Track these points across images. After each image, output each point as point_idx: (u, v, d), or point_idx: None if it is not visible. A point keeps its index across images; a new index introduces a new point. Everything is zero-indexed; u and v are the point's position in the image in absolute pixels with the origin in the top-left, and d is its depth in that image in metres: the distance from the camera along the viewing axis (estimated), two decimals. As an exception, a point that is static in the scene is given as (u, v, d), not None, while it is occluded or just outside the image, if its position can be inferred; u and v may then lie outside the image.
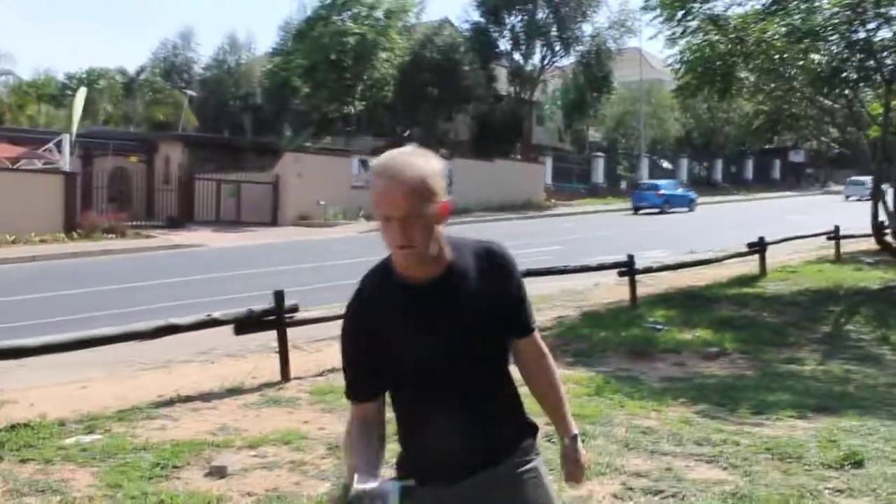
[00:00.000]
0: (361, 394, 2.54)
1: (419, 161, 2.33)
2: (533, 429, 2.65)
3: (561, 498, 3.56)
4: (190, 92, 50.00)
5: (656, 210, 40.85)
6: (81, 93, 34.44)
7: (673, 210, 41.12)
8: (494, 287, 2.49)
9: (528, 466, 2.58)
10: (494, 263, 2.51)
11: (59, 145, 29.55)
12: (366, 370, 2.51)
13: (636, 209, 41.70)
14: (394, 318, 2.45)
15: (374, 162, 2.35)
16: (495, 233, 11.58)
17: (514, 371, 2.66)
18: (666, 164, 61.46)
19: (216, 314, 8.40)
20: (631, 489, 5.34)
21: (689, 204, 42.68)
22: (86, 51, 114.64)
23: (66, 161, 29.26)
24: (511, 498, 2.54)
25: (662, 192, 42.05)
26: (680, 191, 43.94)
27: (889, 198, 16.76)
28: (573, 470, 2.74)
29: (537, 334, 2.67)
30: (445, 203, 2.37)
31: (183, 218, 32.92)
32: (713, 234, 25.94)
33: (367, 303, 2.50)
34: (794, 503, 4.99)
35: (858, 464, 5.80)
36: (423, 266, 2.41)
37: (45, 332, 8.17)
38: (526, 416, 2.64)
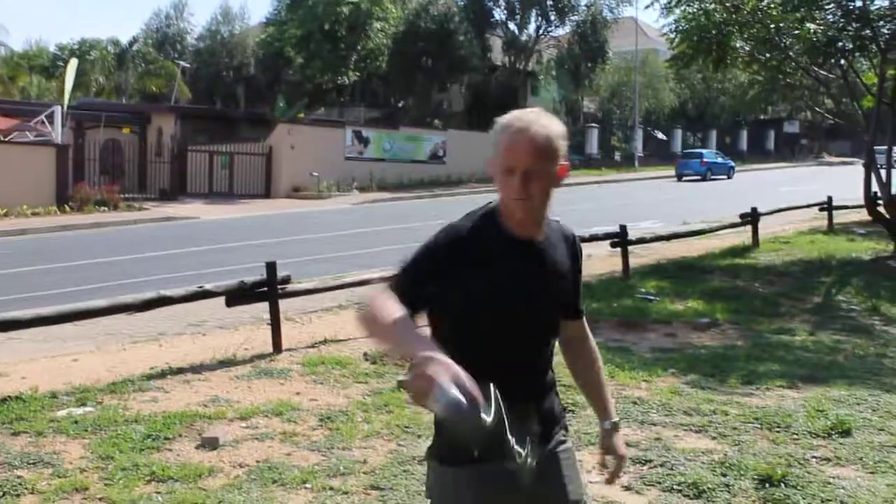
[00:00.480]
0: (408, 295, 2.37)
1: (546, 120, 2.41)
2: (564, 410, 2.71)
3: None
4: (183, 63, 49.66)
5: (699, 178, 42.56)
6: (73, 64, 34.22)
7: (714, 177, 43.09)
8: (571, 266, 2.60)
9: (566, 446, 2.61)
10: (575, 245, 2.63)
11: (50, 117, 29.35)
12: (423, 285, 2.41)
13: (680, 177, 43.41)
14: (494, 261, 2.42)
15: (503, 118, 2.43)
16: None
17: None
18: (660, 135, 61.35)
19: (207, 286, 8.39)
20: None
21: (729, 171, 44.88)
22: (78, 21, 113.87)
23: (57, 133, 29.09)
24: (555, 476, 2.56)
25: (706, 160, 44.21)
26: (720, 160, 45.98)
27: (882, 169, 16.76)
28: (612, 459, 2.70)
29: (584, 319, 2.75)
30: (564, 166, 2.44)
31: (175, 190, 32.83)
32: (704, 205, 25.94)
33: (469, 233, 2.44)
34: (782, 472, 5.02)
35: (846, 433, 5.85)
36: (531, 223, 2.46)
37: (36, 305, 8.16)
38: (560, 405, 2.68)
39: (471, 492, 2.45)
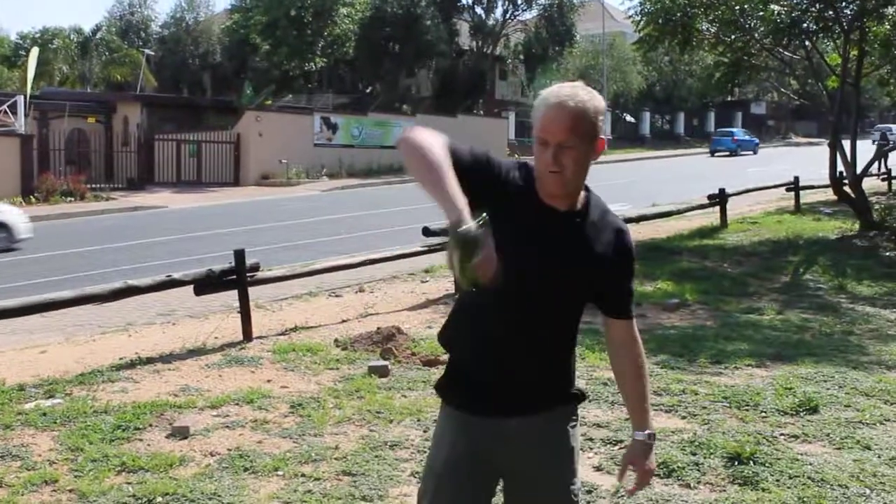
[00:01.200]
0: (457, 152, 2.38)
1: (584, 95, 2.42)
2: (579, 397, 2.68)
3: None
4: (148, 51, 49.16)
5: (728, 153, 47.49)
6: (34, 53, 33.75)
7: (743, 153, 47.78)
8: (615, 254, 2.55)
9: (561, 428, 2.61)
10: (623, 234, 2.60)
11: (13, 107, 28.94)
12: (467, 171, 2.33)
13: (713, 153, 48.42)
14: (521, 217, 2.43)
15: (544, 91, 2.45)
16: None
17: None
18: (629, 118, 61.57)
19: (175, 275, 8.33)
20: (591, 440, 5.41)
21: (755, 147, 49.96)
22: (39, 10, 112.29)
23: (21, 123, 28.72)
24: (542, 459, 2.58)
25: (736, 137, 49.80)
26: (747, 137, 51.13)
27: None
28: (636, 471, 2.64)
29: (634, 323, 2.68)
30: (602, 141, 2.47)
31: (143, 179, 32.52)
32: (673, 188, 26.08)
33: (519, 175, 2.49)
34: (751, 449, 5.07)
35: (813, 410, 5.92)
36: (564, 196, 2.47)
37: (2, 297, 8.07)
38: (575, 381, 2.66)
39: (446, 437, 2.58)
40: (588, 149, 2.43)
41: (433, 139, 2.33)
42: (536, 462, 2.58)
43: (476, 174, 2.36)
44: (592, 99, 2.42)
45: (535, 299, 2.47)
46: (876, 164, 25.26)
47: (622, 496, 4.58)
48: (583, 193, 2.54)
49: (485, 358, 2.53)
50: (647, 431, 2.63)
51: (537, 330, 2.51)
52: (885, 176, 25.71)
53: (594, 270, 2.52)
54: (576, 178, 2.45)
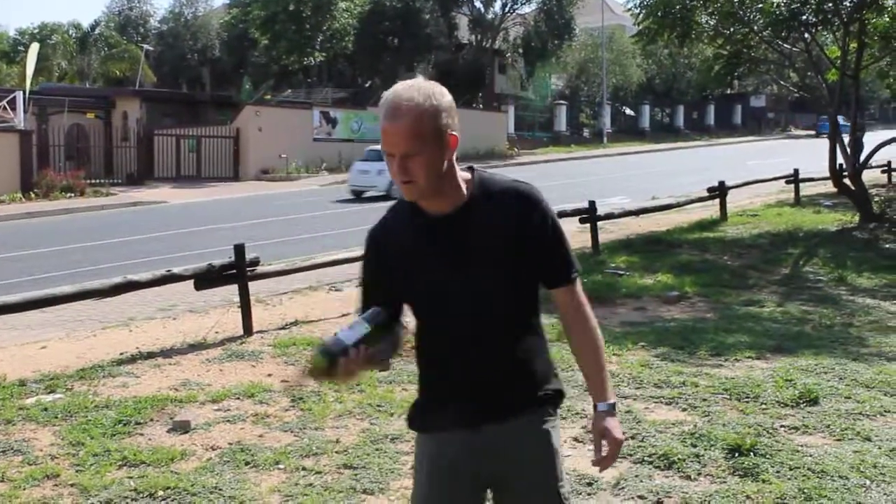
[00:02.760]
0: (368, 303, 2.50)
1: (418, 97, 2.30)
2: (555, 395, 2.58)
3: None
4: (146, 46, 49.07)
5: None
6: (34, 48, 33.68)
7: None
8: (519, 228, 2.41)
9: (543, 427, 2.53)
10: (522, 204, 2.43)
11: (12, 103, 28.93)
12: (378, 295, 2.48)
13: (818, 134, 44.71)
14: (408, 249, 2.45)
15: (382, 97, 2.36)
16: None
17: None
18: (628, 111, 61.49)
19: (175, 269, 8.34)
20: (591, 433, 5.40)
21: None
22: (38, 5, 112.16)
23: (20, 119, 28.70)
24: (514, 456, 2.50)
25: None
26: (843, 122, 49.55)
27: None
28: (602, 446, 2.48)
29: (578, 285, 2.53)
30: (452, 137, 2.35)
31: (143, 174, 32.52)
32: (673, 181, 26.06)
33: (383, 231, 2.53)
34: (751, 441, 5.08)
35: (813, 401, 5.92)
36: (435, 199, 2.40)
37: (3, 293, 8.08)
38: (550, 380, 2.57)
39: (426, 459, 2.57)
40: (437, 150, 2.32)
41: None
42: (517, 469, 2.51)
43: (379, 276, 2.53)
44: (430, 97, 2.30)
45: (466, 310, 2.42)
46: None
47: (622, 488, 4.59)
48: (463, 184, 2.42)
49: (445, 375, 2.51)
50: (609, 402, 2.50)
51: (484, 336, 2.44)
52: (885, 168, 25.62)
53: (507, 254, 2.41)
54: (432, 183, 2.34)
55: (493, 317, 2.44)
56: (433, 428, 2.56)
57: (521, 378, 2.51)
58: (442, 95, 2.33)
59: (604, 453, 2.48)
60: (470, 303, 2.42)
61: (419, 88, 2.32)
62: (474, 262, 2.41)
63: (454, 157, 2.39)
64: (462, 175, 2.44)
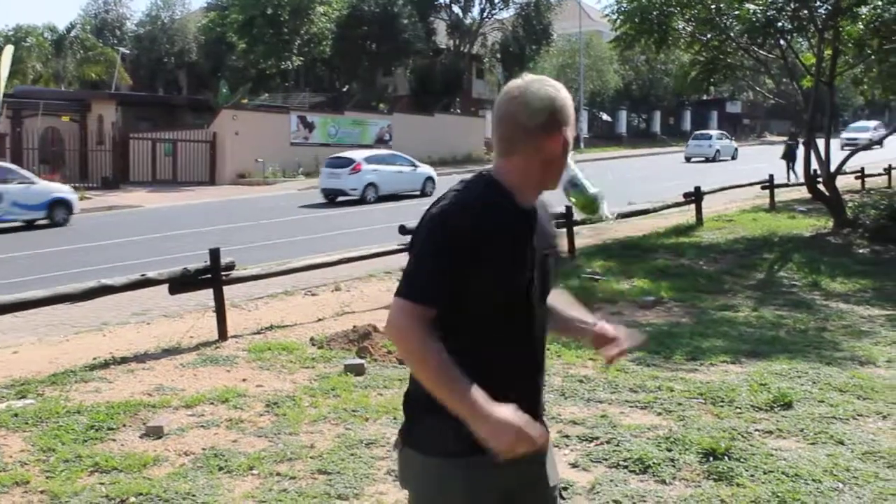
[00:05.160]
0: (438, 297, 2.21)
1: (520, 93, 2.35)
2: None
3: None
4: (123, 49, 48.85)
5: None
6: (8, 51, 33.27)
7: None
8: (557, 237, 2.55)
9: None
10: (551, 218, 2.55)
11: (-14, 106, 28.68)
12: (445, 283, 2.23)
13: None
14: (507, 240, 2.27)
15: (546, 87, 2.36)
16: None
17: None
18: (605, 117, 61.75)
19: (150, 274, 8.26)
20: (567, 437, 5.41)
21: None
22: (12, 7, 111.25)
23: (-6, 122, 28.47)
24: (539, 461, 2.43)
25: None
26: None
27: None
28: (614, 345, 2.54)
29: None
30: (554, 138, 2.35)
31: (118, 178, 32.31)
32: (649, 186, 26.17)
33: (484, 215, 2.25)
34: (726, 445, 5.09)
35: (787, 405, 5.95)
36: (530, 192, 2.40)
37: (-27, 297, 7.97)
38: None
39: (458, 483, 2.29)
40: (536, 146, 2.40)
41: (414, 335, 2.19)
42: (538, 465, 2.44)
43: (462, 274, 2.22)
44: (522, 96, 2.35)
45: (537, 307, 2.38)
46: (787, 166, 25.72)
47: (597, 493, 4.59)
48: None
49: (519, 384, 2.36)
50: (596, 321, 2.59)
51: (541, 334, 2.43)
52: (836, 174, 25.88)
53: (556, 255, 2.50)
54: (534, 176, 2.40)
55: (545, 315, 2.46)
56: (460, 452, 2.24)
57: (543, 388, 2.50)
58: (547, 92, 2.37)
59: (621, 345, 2.55)
60: (544, 300, 2.42)
61: (526, 83, 2.38)
62: (553, 258, 2.45)
63: None
64: None
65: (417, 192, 26.63)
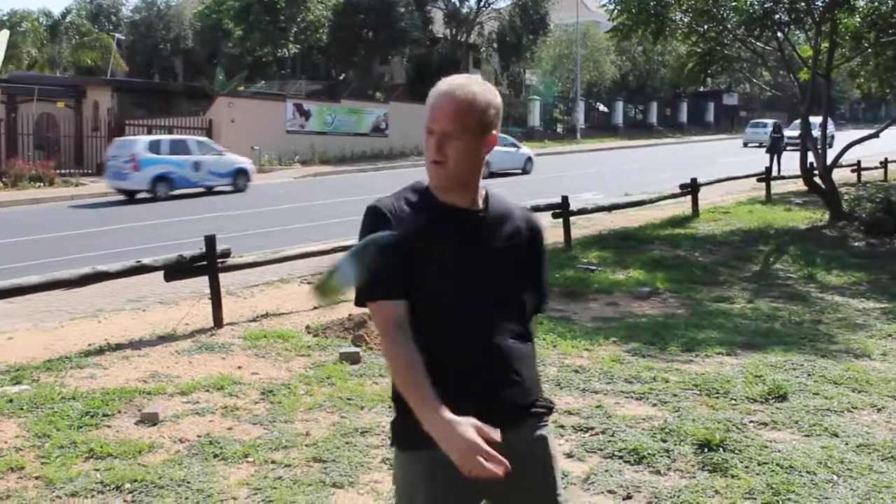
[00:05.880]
0: (393, 290, 2.31)
1: (476, 87, 2.35)
2: (548, 404, 2.52)
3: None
4: (118, 35, 48.70)
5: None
6: (3, 36, 33.14)
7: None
8: (527, 250, 2.49)
9: (540, 433, 2.45)
10: (533, 229, 2.52)
11: (-20, 91, 28.59)
12: (394, 274, 2.31)
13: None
14: (433, 236, 2.33)
15: (439, 81, 2.38)
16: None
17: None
18: (602, 108, 61.69)
19: (145, 260, 8.24)
20: (562, 427, 5.42)
21: None
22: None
23: (-12, 107, 28.35)
24: (519, 466, 2.26)
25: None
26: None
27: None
28: None
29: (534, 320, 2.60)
30: (493, 136, 2.37)
31: (113, 165, 32.14)
32: (645, 177, 26.18)
33: (400, 215, 2.34)
34: (720, 436, 5.10)
35: (782, 397, 5.97)
36: (457, 191, 2.38)
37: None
38: (540, 388, 2.52)
39: (422, 479, 2.34)
40: (476, 142, 2.34)
41: (387, 336, 2.33)
42: (515, 478, 2.28)
43: (406, 263, 2.30)
44: (485, 92, 2.34)
45: (484, 308, 2.37)
46: (771, 159, 25.62)
47: (592, 483, 4.60)
48: (482, 191, 2.43)
49: (459, 380, 2.34)
50: None
51: (493, 336, 2.37)
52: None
53: (518, 266, 2.45)
54: (460, 171, 2.33)
55: (509, 321, 2.42)
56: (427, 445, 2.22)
57: (527, 380, 2.43)
58: (495, 95, 2.39)
59: None
60: (495, 303, 2.40)
61: (477, 81, 2.39)
62: (500, 261, 2.41)
63: (484, 161, 2.43)
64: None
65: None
